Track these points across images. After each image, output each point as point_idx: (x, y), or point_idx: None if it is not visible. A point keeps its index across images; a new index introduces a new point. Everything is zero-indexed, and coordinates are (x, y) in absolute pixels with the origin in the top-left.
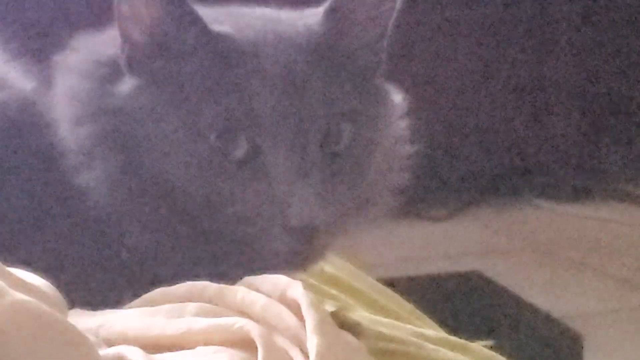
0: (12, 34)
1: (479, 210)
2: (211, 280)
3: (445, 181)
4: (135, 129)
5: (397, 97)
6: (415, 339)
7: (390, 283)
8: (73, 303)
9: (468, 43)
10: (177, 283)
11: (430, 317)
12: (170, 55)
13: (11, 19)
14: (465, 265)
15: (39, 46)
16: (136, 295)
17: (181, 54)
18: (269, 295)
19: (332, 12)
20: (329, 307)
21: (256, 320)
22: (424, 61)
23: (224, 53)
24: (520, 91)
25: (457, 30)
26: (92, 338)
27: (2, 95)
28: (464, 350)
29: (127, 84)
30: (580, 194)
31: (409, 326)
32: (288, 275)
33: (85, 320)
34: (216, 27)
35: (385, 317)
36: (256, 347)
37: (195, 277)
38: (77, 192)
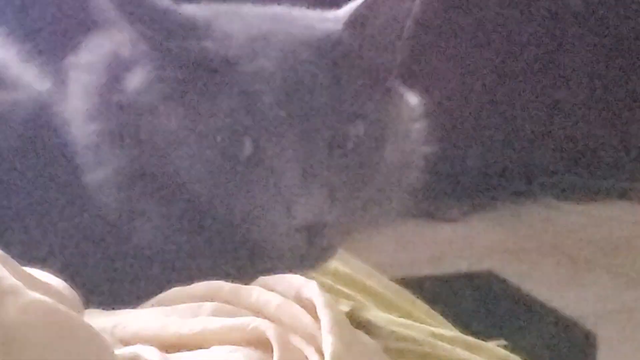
0: (27, 34)
1: (492, 211)
2: (223, 279)
3: (459, 181)
4: (143, 126)
5: (413, 99)
6: (429, 339)
7: (404, 283)
8: (88, 303)
9: (482, 45)
10: (189, 282)
11: (443, 317)
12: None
13: (26, 20)
14: (478, 265)
15: (54, 47)
16: (151, 294)
17: (181, 57)
18: (284, 295)
19: (353, 22)
20: (344, 307)
21: (271, 320)
22: (439, 63)
23: (223, 57)
24: (534, 92)
25: (472, 33)
26: (107, 338)
27: (17, 95)
28: (478, 350)
29: (135, 80)
30: (592, 194)
31: (423, 326)
32: (300, 274)
33: (100, 320)
34: (216, 31)
35: (400, 316)
36: (271, 347)
37: (207, 276)
38: (90, 190)
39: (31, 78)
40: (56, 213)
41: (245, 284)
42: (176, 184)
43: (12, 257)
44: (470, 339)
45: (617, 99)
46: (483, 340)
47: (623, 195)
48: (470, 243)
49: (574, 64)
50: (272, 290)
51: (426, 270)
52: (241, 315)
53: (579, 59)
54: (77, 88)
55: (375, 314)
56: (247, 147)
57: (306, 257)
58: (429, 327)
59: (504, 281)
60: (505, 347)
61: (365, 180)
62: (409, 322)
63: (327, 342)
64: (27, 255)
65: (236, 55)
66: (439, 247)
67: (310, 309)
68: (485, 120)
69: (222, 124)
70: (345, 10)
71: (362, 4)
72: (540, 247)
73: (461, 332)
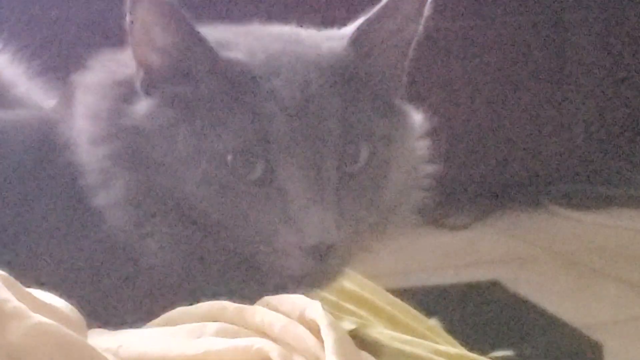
0: (35, 51)
1: (498, 219)
2: (229, 299)
3: (464, 189)
4: (152, 149)
5: (417, 117)
6: (434, 356)
7: (409, 292)
8: (93, 322)
9: (488, 56)
10: (196, 302)
11: (448, 327)
12: (183, 80)
13: (34, 37)
14: (484, 274)
15: (61, 64)
16: (157, 314)
17: (194, 79)
18: (288, 315)
19: (357, 39)
20: (348, 324)
21: (275, 340)
22: (444, 77)
23: (235, 79)
24: (540, 99)
25: (476, 49)
26: (111, 358)
27: (24, 114)
28: None
29: (143, 104)
30: (600, 202)
31: (428, 343)
32: (306, 293)
33: (105, 340)
34: (227, 53)
35: (405, 333)
36: None
37: (213, 296)
38: (95, 211)
39: (38, 96)
40: (61, 233)
41: (251, 304)
42: (185, 204)
43: (16, 278)
44: (475, 356)
45: (626, 107)
46: (488, 350)
47: (632, 203)
48: (476, 252)
49: (581, 73)
50: (276, 311)
51: (431, 279)
52: (245, 336)
53: (585, 68)
54: (85, 108)
55: (380, 331)
56: (258, 168)
57: (314, 278)
58: (434, 344)
59: (509, 291)
60: (511, 357)
61: (373, 200)
62: (414, 339)
63: None
64: (32, 276)
65: (253, 75)
66: (444, 256)
67: (315, 330)
68: (492, 128)
69: (229, 146)
70: (349, 29)
71: (365, 21)
72: (547, 256)
73: (466, 342)
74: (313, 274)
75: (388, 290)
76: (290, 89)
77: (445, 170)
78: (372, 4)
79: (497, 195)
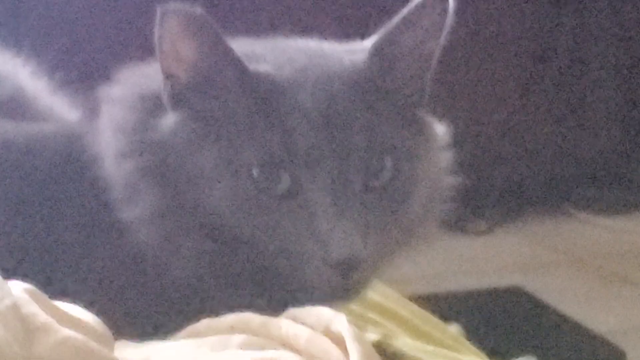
0: (57, 63)
1: (520, 224)
2: (255, 312)
3: (486, 195)
4: (178, 163)
5: (440, 128)
6: None
7: (430, 298)
8: (120, 335)
9: (507, 67)
10: (222, 315)
11: (470, 333)
12: (211, 93)
13: (57, 50)
14: (506, 280)
15: (84, 77)
16: (183, 326)
17: (221, 92)
18: (313, 328)
19: (378, 50)
20: (373, 335)
21: (300, 352)
22: (465, 87)
23: (263, 91)
24: (562, 106)
25: (497, 57)
26: None
27: (48, 127)
28: None
29: (170, 118)
30: (622, 207)
31: (452, 353)
32: (331, 306)
33: (131, 352)
34: (255, 66)
35: (428, 343)
36: None
37: (239, 308)
38: (122, 225)
39: (61, 109)
40: (87, 247)
41: (277, 317)
42: (211, 218)
43: (44, 291)
44: None
45: None
46: (511, 356)
47: None
48: (498, 258)
49: (599, 78)
50: (301, 323)
51: (453, 285)
52: (270, 348)
53: (607, 73)
54: (111, 122)
55: (405, 342)
56: (284, 182)
57: (340, 292)
58: (458, 354)
59: (532, 296)
60: None
61: (398, 213)
62: (438, 349)
63: None
64: (59, 289)
65: (281, 88)
66: (466, 262)
67: (340, 343)
68: (514, 134)
69: (256, 159)
70: (370, 41)
71: (385, 33)
72: (568, 262)
73: (489, 348)
74: (339, 288)
75: (410, 296)
76: (316, 103)
77: (467, 178)
78: (393, 17)
79: (519, 201)
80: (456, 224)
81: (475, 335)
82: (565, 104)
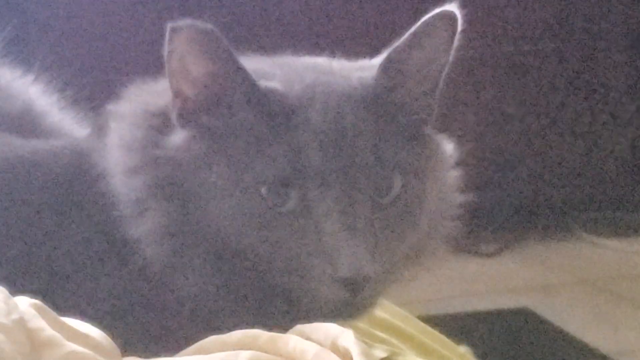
0: (67, 82)
1: (528, 246)
2: (262, 328)
3: (494, 216)
4: (187, 180)
5: (448, 147)
6: None
7: (438, 319)
8: (127, 351)
9: (516, 88)
10: (229, 331)
11: (479, 354)
12: (220, 110)
13: (67, 67)
14: (514, 301)
15: (93, 94)
16: (189, 343)
17: (230, 109)
18: (320, 344)
19: (387, 67)
20: (380, 352)
21: None
22: (472, 107)
23: (273, 108)
24: (570, 128)
25: (505, 77)
26: None
27: (57, 144)
28: None
29: (179, 136)
30: (629, 229)
31: None
32: (339, 323)
33: None
34: (265, 83)
35: None
36: None
37: (246, 324)
38: (130, 241)
39: (70, 125)
40: (95, 262)
41: (284, 333)
42: (219, 234)
43: (51, 307)
44: None
45: None
46: None
47: None
48: (506, 279)
49: (611, 101)
50: (308, 339)
51: (461, 306)
52: None
53: (616, 96)
54: (119, 139)
55: (412, 359)
56: (292, 199)
57: (348, 309)
58: None
59: (539, 318)
60: None
61: (406, 231)
62: None
63: None
64: (66, 304)
65: (290, 105)
66: (474, 283)
67: (347, 358)
68: (522, 156)
69: (264, 177)
70: (378, 59)
71: (393, 50)
72: (576, 283)
73: None
74: (346, 305)
75: (419, 317)
76: (325, 120)
77: (475, 198)
78: (401, 36)
79: (527, 223)
80: (465, 246)
81: (483, 356)
82: (572, 127)
